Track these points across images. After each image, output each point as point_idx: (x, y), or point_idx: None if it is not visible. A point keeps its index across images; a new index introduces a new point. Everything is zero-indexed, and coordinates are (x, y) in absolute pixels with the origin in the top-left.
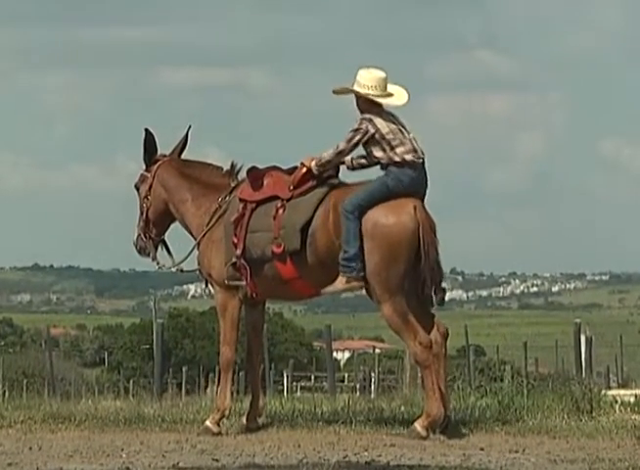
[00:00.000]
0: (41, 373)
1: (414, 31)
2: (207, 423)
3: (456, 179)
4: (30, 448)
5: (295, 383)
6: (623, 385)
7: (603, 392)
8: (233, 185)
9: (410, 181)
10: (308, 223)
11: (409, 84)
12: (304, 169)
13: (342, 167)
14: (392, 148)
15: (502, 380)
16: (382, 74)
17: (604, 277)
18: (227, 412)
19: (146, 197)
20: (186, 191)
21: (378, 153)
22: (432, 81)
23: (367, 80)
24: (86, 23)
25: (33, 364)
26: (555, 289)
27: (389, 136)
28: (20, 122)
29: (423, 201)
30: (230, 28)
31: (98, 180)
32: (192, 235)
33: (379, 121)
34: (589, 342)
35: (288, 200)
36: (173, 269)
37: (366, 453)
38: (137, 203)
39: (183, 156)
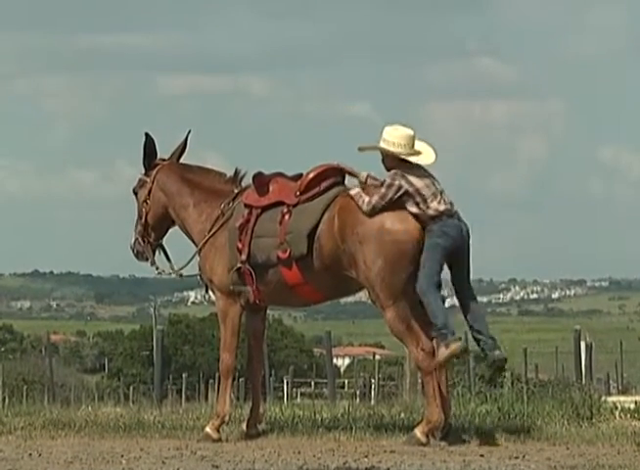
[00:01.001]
0: (41, 379)
1: (415, 38)
2: (207, 429)
3: (456, 185)
4: (30, 455)
5: (295, 389)
6: (623, 391)
7: (603, 398)
8: (236, 191)
9: (455, 231)
10: (315, 229)
11: (410, 90)
12: (311, 175)
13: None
14: (426, 201)
15: (502, 386)
16: (410, 132)
17: (604, 283)
18: (227, 418)
19: (145, 201)
20: (188, 196)
21: (412, 208)
22: (432, 88)
23: (395, 138)
24: (86, 29)
25: (33, 371)
26: (555, 295)
27: (424, 190)
28: (19, 128)
29: (469, 256)
30: (230, 35)
31: (97, 186)
32: (192, 241)
33: (411, 177)
34: (589, 348)
35: (294, 205)
36: (173, 275)
37: (366, 460)
38: (136, 208)
39: (181, 160)
